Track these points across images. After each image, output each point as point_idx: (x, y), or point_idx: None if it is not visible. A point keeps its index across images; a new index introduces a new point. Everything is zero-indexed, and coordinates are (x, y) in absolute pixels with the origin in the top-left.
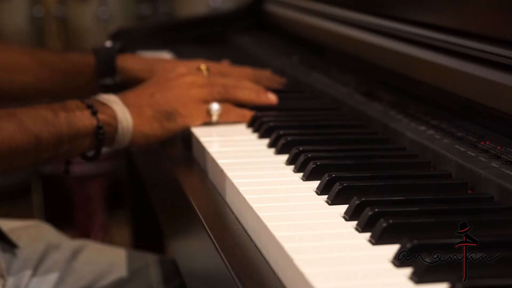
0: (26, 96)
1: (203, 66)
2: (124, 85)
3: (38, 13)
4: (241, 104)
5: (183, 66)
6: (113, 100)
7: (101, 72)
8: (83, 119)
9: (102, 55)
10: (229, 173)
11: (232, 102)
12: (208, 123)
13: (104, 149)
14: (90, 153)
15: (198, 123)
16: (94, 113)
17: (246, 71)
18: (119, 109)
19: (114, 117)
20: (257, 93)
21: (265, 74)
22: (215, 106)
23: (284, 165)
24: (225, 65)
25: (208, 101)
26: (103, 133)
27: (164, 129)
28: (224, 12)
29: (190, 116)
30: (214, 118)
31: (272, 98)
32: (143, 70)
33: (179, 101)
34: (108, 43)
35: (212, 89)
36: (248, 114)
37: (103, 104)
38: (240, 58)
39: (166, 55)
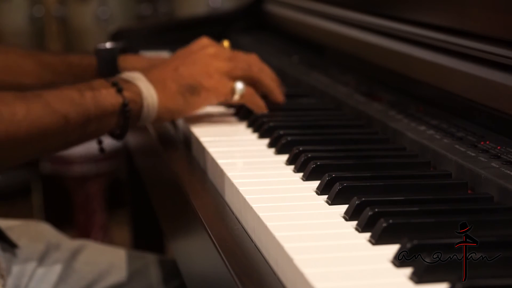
0: None
1: (226, 43)
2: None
3: (38, 13)
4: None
5: (206, 38)
6: (137, 77)
7: (102, 74)
8: (109, 97)
9: (103, 56)
10: (229, 173)
11: (253, 83)
12: (226, 101)
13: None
14: (117, 131)
15: (221, 99)
16: (119, 90)
17: (264, 64)
18: (143, 86)
19: (139, 94)
20: (276, 83)
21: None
22: (239, 86)
23: (284, 165)
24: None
25: (232, 76)
26: (129, 111)
27: (188, 103)
28: (224, 12)
29: (214, 89)
30: (236, 97)
31: (282, 97)
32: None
33: (203, 73)
34: (109, 44)
35: (236, 64)
36: (265, 109)
37: (128, 82)
38: None
39: (166, 55)
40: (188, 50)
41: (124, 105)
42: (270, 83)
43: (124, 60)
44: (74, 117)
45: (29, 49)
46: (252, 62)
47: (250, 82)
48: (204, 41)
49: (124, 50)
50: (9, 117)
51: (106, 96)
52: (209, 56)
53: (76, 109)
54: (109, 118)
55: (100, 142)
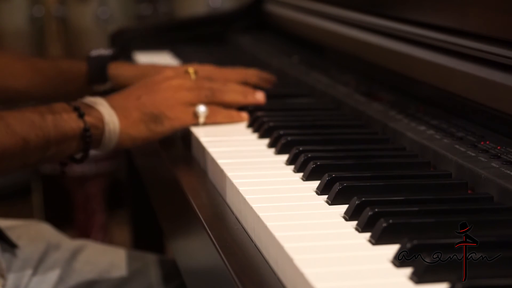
0: (17, 102)
1: (190, 70)
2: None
3: (38, 13)
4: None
5: (171, 70)
6: (99, 103)
7: (92, 79)
8: (70, 121)
9: (94, 62)
10: (229, 173)
11: (219, 105)
12: (195, 125)
13: (95, 151)
14: (78, 156)
15: (185, 126)
16: (81, 115)
17: (233, 72)
18: (106, 112)
19: (101, 119)
20: (243, 94)
21: (253, 72)
22: (201, 108)
23: (284, 165)
24: (211, 68)
25: (195, 104)
26: (90, 136)
27: (151, 131)
28: (224, 12)
29: (177, 118)
30: (201, 120)
31: (260, 97)
32: (135, 77)
33: (166, 104)
34: (102, 51)
35: (199, 93)
36: (235, 114)
37: (90, 107)
38: (240, 58)
39: (166, 55)
40: (152, 81)
41: (85, 130)
42: (237, 99)
43: (115, 67)
44: (33, 139)
45: (21, 53)
46: (214, 87)
47: (214, 105)
48: (168, 72)
49: (116, 57)
50: None
51: (67, 120)
52: (173, 87)
53: (36, 132)
54: (69, 142)
55: (64, 165)
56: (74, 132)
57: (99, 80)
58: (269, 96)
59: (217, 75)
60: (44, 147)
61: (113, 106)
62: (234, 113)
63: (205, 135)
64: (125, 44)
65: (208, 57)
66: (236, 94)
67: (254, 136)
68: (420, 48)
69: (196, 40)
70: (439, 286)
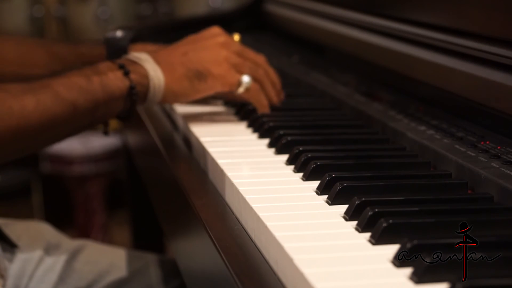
0: None
1: (237, 36)
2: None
3: (38, 13)
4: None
5: (218, 28)
6: (144, 59)
7: None
8: (116, 81)
9: (113, 45)
10: (229, 173)
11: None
12: (231, 93)
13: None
14: (123, 114)
15: (226, 89)
16: (126, 73)
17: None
18: (150, 67)
19: (145, 75)
20: (277, 92)
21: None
22: (246, 79)
23: (284, 165)
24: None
25: (238, 70)
26: (137, 94)
27: (194, 88)
28: (224, 12)
29: (221, 78)
30: (241, 89)
31: (277, 103)
32: None
33: (212, 61)
34: (119, 32)
35: (244, 61)
36: (266, 106)
37: (135, 63)
38: None
39: None
40: (199, 37)
41: (131, 88)
42: (271, 89)
43: (134, 49)
44: (82, 104)
45: (39, 40)
46: (259, 63)
47: (254, 81)
48: (216, 30)
49: (135, 39)
50: (19, 110)
51: (113, 80)
52: (219, 44)
53: (84, 96)
54: (116, 102)
55: (106, 125)
56: (121, 91)
57: None
58: None
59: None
60: (93, 110)
61: (158, 62)
62: (267, 104)
63: (205, 135)
64: (134, 33)
65: None
66: (272, 84)
67: (254, 136)
68: (420, 48)
69: None
70: (439, 286)
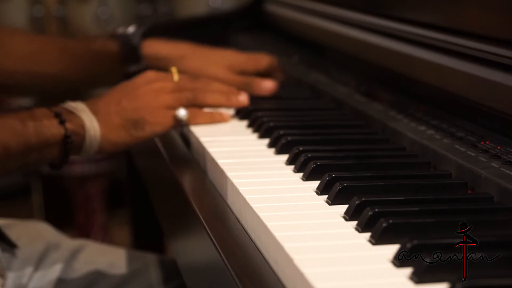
0: (49, 86)
1: (174, 69)
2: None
3: (38, 13)
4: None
5: (152, 72)
6: (80, 109)
7: (126, 60)
8: (51, 128)
9: (126, 41)
10: (229, 173)
11: (201, 107)
12: (178, 128)
13: (76, 157)
14: (57, 162)
15: (166, 130)
16: (62, 122)
17: (244, 57)
18: (86, 118)
19: (82, 126)
20: (227, 96)
21: (265, 60)
22: (182, 112)
23: (284, 165)
24: (215, 52)
25: (176, 107)
26: (71, 142)
27: (132, 136)
28: (224, 12)
29: (157, 123)
30: (183, 122)
31: (243, 100)
32: (170, 58)
33: (146, 109)
34: (131, 28)
35: (180, 96)
36: (217, 115)
37: (71, 113)
38: None
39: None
40: (133, 84)
41: (66, 136)
42: (220, 100)
43: (149, 46)
44: (14, 146)
45: (51, 36)
46: (197, 87)
47: (200, 107)
48: (150, 75)
49: (146, 34)
50: None
51: (48, 127)
52: (153, 91)
53: (17, 139)
54: (50, 148)
55: (55, 166)
56: (55, 138)
57: (132, 60)
58: (269, 97)
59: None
60: (25, 154)
61: (94, 112)
62: (215, 114)
63: (205, 135)
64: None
65: None
66: (219, 95)
67: (254, 136)
68: (420, 48)
69: (196, 40)
70: (439, 286)
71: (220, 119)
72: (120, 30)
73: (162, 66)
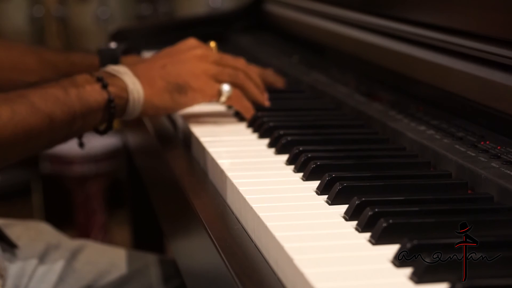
0: None
1: (212, 44)
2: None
3: (38, 13)
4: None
5: (194, 39)
6: (123, 71)
7: None
8: (94, 94)
9: (106, 55)
10: (229, 173)
11: (238, 88)
12: (214, 102)
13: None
14: (102, 126)
15: (207, 100)
16: (105, 86)
17: (252, 65)
18: (129, 80)
19: (125, 88)
20: (261, 89)
21: (270, 72)
22: (226, 88)
23: (284, 165)
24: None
25: (218, 80)
26: (115, 107)
27: (175, 101)
28: (224, 12)
29: (200, 90)
30: (223, 99)
31: (267, 101)
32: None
33: (191, 74)
34: (113, 44)
35: (224, 69)
36: (251, 109)
37: (113, 76)
38: None
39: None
40: (176, 49)
41: (110, 101)
42: (254, 90)
43: (126, 60)
44: (59, 116)
45: (32, 45)
46: (239, 68)
47: (236, 87)
48: (192, 42)
49: (127, 51)
50: None
51: (91, 93)
52: (197, 57)
53: (61, 108)
54: (94, 114)
55: (80, 137)
56: (98, 104)
57: None
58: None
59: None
60: (70, 122)
61: (137, 75)
62: (251, 107)
63: (205, 135)
64: (127, 44)
65: None
66: (256, 86)
67: (254, 136)
68: (420, 48)
69: None
70: (439, 286)
71: (249, 115)
72: (103, 46)
73: None
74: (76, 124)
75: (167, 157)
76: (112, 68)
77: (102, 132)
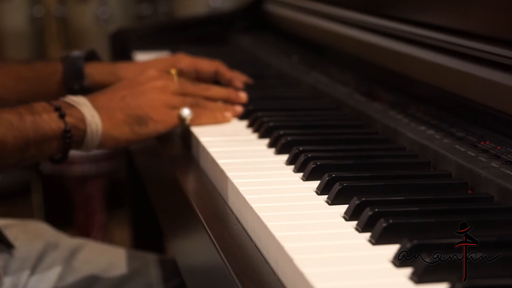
0: None
1: (173, 71)
2: (90, 90)
3: (38, 13)
4: None
5: (153, 69)
6: (82, 103)
7: (68, 78)
8: (50, 122)
9: (70, 62)
10: (229, 173)
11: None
12: (180, 127)
13: (78, 152)
14: (57, 156)
15: (169, 129)
16: (62, 116)
17: (205, 62)
18: (88, 112)
19: (82, 120)
20: (228, 96)
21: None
22: (186, 112)
23: (284, 165)
24: (191, 60)
25: (179, 108)
26: (71, 137)
27: (135, 133)
28: (224, 12)
29: (161, 121)
30: (186, 122)
31: (243, 97)
32: (108, 74)
33: (151, 106)
34: (76, 52)
35: (184, 99)
36: (220, 116)
37: (72, 106)
38: (240, 58)
39: (166, 55)
40: (136, 81)
41: (66, 131)
42: (218, 105)
43: (90, 66)
44: (11, 141)
45: (6, 61)
46: (198, 94)
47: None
48: (152, 72)
49: (91, 58)
50: None
51: (47, 121)
52: (157, 88)
53: (14, 133)
54: (49, 143)
55: (37, 164)
56: (54, 132)
57: (75, 78)
58: (269, 97)
59: (203, 66)
60: (22, 148)
61: (97, 107)
62: (218, 115)
63: (205, 135)
64: (125, 44)
65: (208, 57)
66: (217, 107)
67: (254, 136)
68: (420, 48)
69: (196, 40)
70: (439, 286)
71: (223, 120)
72: (67, 54)
73: (102, 83)
74: (30, 151)
75: (167, 157)
76: (71, 99)
77: (56, 161)
